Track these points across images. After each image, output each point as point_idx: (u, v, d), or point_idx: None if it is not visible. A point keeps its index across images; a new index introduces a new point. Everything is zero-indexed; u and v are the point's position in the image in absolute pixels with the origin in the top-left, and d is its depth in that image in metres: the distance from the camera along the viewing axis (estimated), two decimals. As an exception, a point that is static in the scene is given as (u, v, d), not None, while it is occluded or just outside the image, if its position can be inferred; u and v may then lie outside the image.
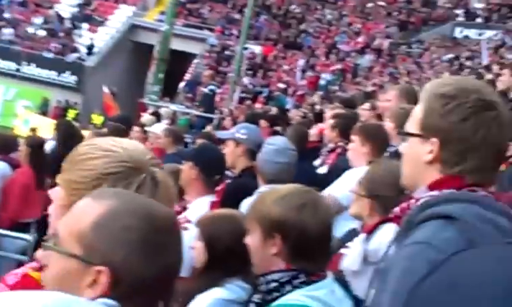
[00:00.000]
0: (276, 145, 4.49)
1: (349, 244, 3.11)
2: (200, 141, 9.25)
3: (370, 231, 2.63)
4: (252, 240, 2.55)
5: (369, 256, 2.64)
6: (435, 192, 1.89)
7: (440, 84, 1.97)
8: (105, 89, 21.73)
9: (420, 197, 1.91)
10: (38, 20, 35.09)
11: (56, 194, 1.78)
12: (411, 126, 1.98)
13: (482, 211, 1.77)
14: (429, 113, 1.93)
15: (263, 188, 4.09)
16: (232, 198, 4.58)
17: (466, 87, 1.91)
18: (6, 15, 35.22)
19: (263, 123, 9.55)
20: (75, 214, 1.40)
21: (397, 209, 2.05)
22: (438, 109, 1.90)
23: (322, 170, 6.36)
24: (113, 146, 1.74)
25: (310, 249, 2.45)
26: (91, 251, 1.35)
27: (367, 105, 7.11)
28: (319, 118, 11.83)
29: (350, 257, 2.67)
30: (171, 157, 8.24)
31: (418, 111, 1.97)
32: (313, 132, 7.87)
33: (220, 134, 5.72)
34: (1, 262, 6.95)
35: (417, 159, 1.95)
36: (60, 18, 35.15)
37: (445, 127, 1.89)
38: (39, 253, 1.46)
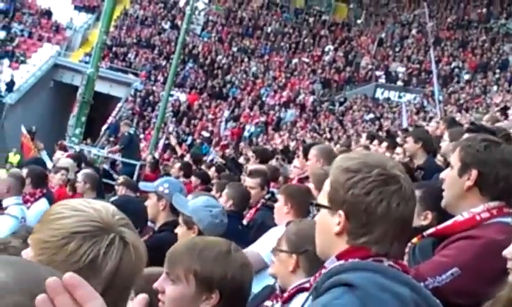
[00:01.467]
0: (219, 206, 4.51)
1: (267, 302, 3.12)
2: (121, 189, 9.08)
3: (286, 300, 2.61)
4: (177, 290, 2.53)
5: None
6: (342, 262, 1.95)
7: (346, 158, 2.05)
8: (23, 130, 21.17)
9: (329, 267, 1.97)
10: (-44, 53, 34.18)
11: (26, 255, 1.76)
12: (322, 198, 2.05)
13: (382, 280, 1.84)
14: (335, 186, 2.00)
15: None
16: (151, 254, 4.46)
17: (370, 161, 1.99)
18: None
19: (194, 180, 9.54)
20: None
21: (311, 278, 2.09)
22: (343, 182, 1.97)
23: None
24: (84, 206, 1.75)
25: (241, 301, 2.53)
26: None
27: (297, 162, 7.17)
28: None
29: None
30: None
31: (327, 184, 2.05)
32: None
33: (143, 186, 5.60)
34: None
35: (327, 230, 2.01)
36: (-20, 53, 34.32)
37: (350, 200, 1.95)
38: None
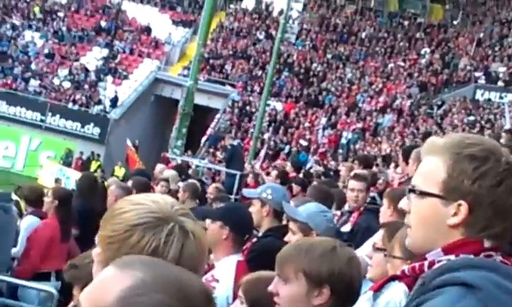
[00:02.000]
0: (330, 211, 4.58)
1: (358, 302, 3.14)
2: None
3: (377, 289, 2.54)
4: (290, 289, 2.63)
5: None
6: (451, 256, 1.82)
7: (465, 143, 1.87)
8: (129, 143, 21.94)
9: (433, 260, 1.85)
10: (64, 71, 35.74)
11: (95, 253, 1.82)
12: (429, 185, 1.88)
13: (501, 280, 1.72)
14: (456, 175, 1.84)
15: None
16: (257, 259, 4.63)
17: (493, 149, 1.85)
18: (33, 67, 35.96)
19: (295, 187, 9.69)
20: (98, 286, 1.28)
21: (405, 268, 1.95)
22: (469, 171, 1.82)
23: (345, 229, 6.42)
24: (144, 199, 1.79)
25: (353, 297, 2.57)
26: None
27: (399, 169, 7.13)
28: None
29: None
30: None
31: (437, 169, 1.87)
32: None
33: (246, 193, 5.75)
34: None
35: (438, 221, 1.86)
36: (85, 71, 35.78)
37: (477, 191, 1.81)
38: None
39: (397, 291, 2.32)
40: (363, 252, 4.52)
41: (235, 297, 3.86)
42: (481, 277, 1.71)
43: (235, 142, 16.98)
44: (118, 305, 1.21)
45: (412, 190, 1.91)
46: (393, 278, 2.10)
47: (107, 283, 1.25)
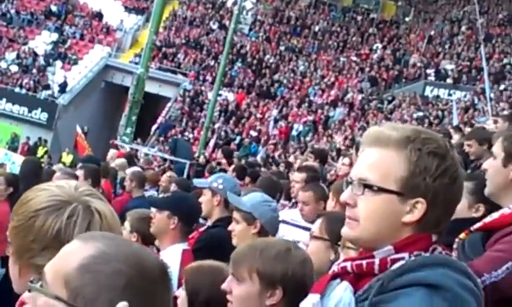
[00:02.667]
0: (274, 201, 4.52)
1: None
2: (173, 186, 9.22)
3: (322, 291, 2.56)
4: (243, 289, 2.64)
5: None
6: (405, 254, 1.80)
7: (421, 138, 1.83)
8: (78, 129, 21.62)
9: (384, 258, 1.81)
10: (12, 55, 34.98)
11: (7, 250, 1.84)
12: (387, 181, 1.83)
13: (460, 278, 1.74)
14: (419, 172, 1.81)
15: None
16: (205, 249, 4.58)
17: (446, 145, 1.85)
18: (-21, 49, 35.12)
19: (247, 179, 9.68)
20: (62, 256, 1.34)
21: (347, 264, 1.90)
22: (432, 169, 1.81)
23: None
24: (48, 185, 1.83)
25: (303, 298, 2.51)
26: (76, 295, 1.28)
27: (346, 160, 7.14)
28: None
29: None
30: (136, 201, 8.19)
31: (396, 165, 1.83)
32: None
33: (197, 182, 5.71)
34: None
35: (392, 218, 1.82)
36: (34, 55, 35.08)
37: (436, 189, 1.81)
38: (25, 295, 1.42)
39: (345, 292, 2.18)
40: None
41: (179, 285, 3.82)
42: (442, 275, 1.72)
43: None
44: (80, 271, 1.28)
45: (367, 186, 1.84)
46: (334, 276, 2.00)
47: (70, 253, 1.32)
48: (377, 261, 1.82)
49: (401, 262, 1.78)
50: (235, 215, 4.32)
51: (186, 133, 30.55)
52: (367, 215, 1.85)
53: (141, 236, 4.89)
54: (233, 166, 12.82)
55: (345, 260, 1.95)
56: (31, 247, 1.76)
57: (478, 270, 2.53)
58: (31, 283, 1.38)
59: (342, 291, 2.04)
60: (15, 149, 28.17)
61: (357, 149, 6.91)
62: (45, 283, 1.34)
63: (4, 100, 32.38)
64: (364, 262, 1.84)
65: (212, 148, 25.24)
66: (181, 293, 3.24)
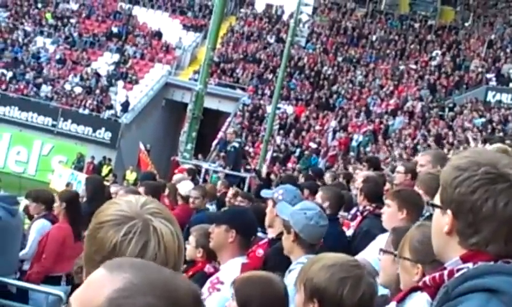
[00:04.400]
0: (316, 209, 4.45)
1: None
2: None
3: (401, 300, 2.55)
4: (296, 299, 2.75)
5: None
6: (470, 264, 1.91)
7: (458, 156, 2.04)
8: (141, 146, 22.02)
9: (452, 268, 1.94)
10: (75, 77, 35.90)
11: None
12: (437, 198, 2.04)
13: None
14: (444, 185, 1.99)
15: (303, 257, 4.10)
16: (273, 261, 4.65)
17: (481, 159, 1.95)
18: (45, 72, 36.16)
19: (306, 192, 9.67)
20: (88, 288, 1.29)
21: (426, 279, 2.06)
22: (451, 180, 1.96)
23: (348, 233, 6.41)
24: (120, 199, 1.86)
25: None
26: None
27: (401, 168, 7.09)
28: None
29: None
30: (201, 214, 8.32)
31: (440, 183, 2.04)
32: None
33: (263, 193, 5.82)
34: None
35: (440, 230, 2.00)
36: (96, 76, 35.93)
37: (456, 199, 1.94)
38: None
39: (420, 301, 2.34)
40: (365, 255, 4.51)
41: None
42: (504, 281, 1.78)
43: (237, 144, 16.77)
44: (107, 304, 1.22)
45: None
46: (415, 289, 2.23)
47: (97, 285, 1.27)
48: (446, 272, 1.95)
49: (464, 270, 1.89)
50: (281, 224, 4.43)
51: (246, 148, 30.75)
52: (432, 230, 2.08)
53: (206, 251, 5.00)
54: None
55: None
56: (93, 258, 1.78)
57: None
58: None
59: (418, 300, 2.29)
60: (80, 169, 28.89)
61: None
62: None
63: (70, 121, 33.21)
64: (437, 274, 1.98)
65: (270, 161, 25.30)
66: (231, 304, 3.27)
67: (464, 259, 1.93)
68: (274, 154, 28.54)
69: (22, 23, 39.46)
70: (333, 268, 2.66)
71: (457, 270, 1.92)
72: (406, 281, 2.98)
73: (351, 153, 28.77)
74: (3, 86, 34.81)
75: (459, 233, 1.95)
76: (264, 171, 17.22)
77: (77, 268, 5.20)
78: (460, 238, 1.95)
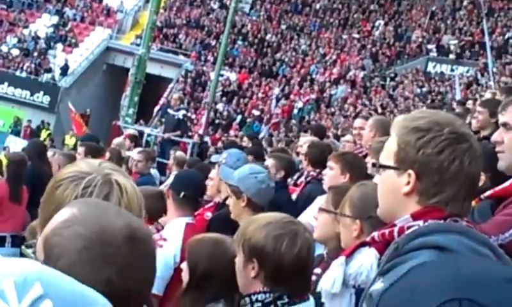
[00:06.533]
0: (265, 172, 4.43)
1: (316, 269, 3.16)
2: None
3: (349, 254, 2.62)
4: (237, 261, 2.78)
5: (348, 279, 2.64)
6: (420, 222, 1.91)
7: (413, 117, 2.02)
8: (71, 107, 21.61)
9: (402, 226, 1.94)
10: (13, 39, 34.93)
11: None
12: (386, 159, 2.02)
13: (472, 243, 1.83)
14: (403, 146, 1.96)
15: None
16: (217, 226, 4.59)
17: (439, 120, 1.96)
18: (-20, 33, 35.09)
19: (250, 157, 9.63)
20: (50, 221, 1.41)
21: (375, 234, 2.07)
22: (413, 142, 1.94)
23: (293, 198, 6.39)
24: (78, 161, 1.94)
25: (286, 276, 2.66)
26: (48, 257, 1.35)
27: (349, 137, 7.10)
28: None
29: (329, 279, 2.64)
30: (144, 178, 8.30)
31: (391, 144, 2.01)
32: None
33: (214, 158, 5.82)
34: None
35: (394, 191, 1.99)
36: (35, 38, 35.01)
37: (421, 160, 1.93)
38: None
39: (369, 256, 2.44)
40: (305, 218, 4.49)
41: (182, 257, 3.90)
42: (453, 240, 1.82)
43: (181, 115, 16.44)
44: (51, 234, 1.37)
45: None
46: (364, 244, 2.31)
47: (54, 218, 1.40)
48: (396, 228, 1.97)
49: (415, 227, 1.90)
50: (228, 189, 4.35)
51: (188, 114, 30.51)
52: (379, 191, 2.09)
53: (148, 212, 4.93)
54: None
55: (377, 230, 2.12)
56: (52, 217, 1.77)
57: (485, 233, 2.55)
58: (25, 247, 1.41)
59: (367, 255, 2.40)
60: (17, 133, 28.24)
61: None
62: (35, 247, 1.43)
63: (6, 83, 32.38)
64: (387, 231, 2.01)
65: (205, 126, 25.14)
66: (183, 265, 3.31)
67: (414, 217, 1.93)
68: (217, 121, 28.42)
69: (-44, -18, 38.08)
70: (268, 226, 2.70)
71: (408, 228, 1.92)
72: (346, 238, 3.06)
73: (293, 121, 28.89)
74: None
75: (421, 193, 1.95)
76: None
77: (30, 230, 5.12)
78: (420, 197, 1.95)
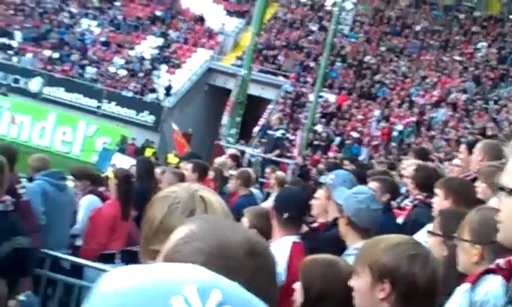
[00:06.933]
0: (368, 193, 4.43)
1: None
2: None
3: (475, 281, 2.55)
4: (359, 282, 2.70)
5: (474, 306, 2.57)
6: None
7: None
8: (174, 126, 22.06)
9: None
10: (120, 60, 36.27)
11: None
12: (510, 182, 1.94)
13: None
14: None
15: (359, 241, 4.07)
16: (323, 246, 4.69)
17: None
18: (89, 54, 36.61)
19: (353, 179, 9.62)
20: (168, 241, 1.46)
21: (501, 261, 2.05)
22: None
23: (399, 221, 6.42)
24: (174, 186, 2.03)
25: (418, 298, 2.57)
26: None
27: (457, 161, 7.03)
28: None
29: (454, 306, 2.60)
30: (243, 199, 8.42)
31: None
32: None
33: (322, 178, 5.86)
34: (85, 293, 6.90)
35: None
36: (140, 59, 36.26)
37: None
38: None
39: (495, 283, 2.36)
40: None
41: (289, 276, 3.97)
42: None
43: (280, 134, 16.64)
44: (170, 251, 1.35)
45: (502, 189, 1.96)
46: (488, 271, 2.19)
47: (171, 236, 1.40)
48: None
49: None
50: (335, 209, 4.45)
51: (288, 135, 30.74)
52: (505, 216, 1.98)
53: (259, 232, 5.08)
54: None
55: (501, 257, 2.07)
56: (147, 235, 1.92)
57: None
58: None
59: (493, 283, 2.28)
60: (122, 151, 29.18)
61: (468, 149, 6.74)
62: None
63: (113, 103, 33.57)
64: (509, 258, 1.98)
65: (299, 147, 25.20)
66: (297, 285, 3.33)
67: None
68: (315, 142, 28.52)
69: (67, 5, 39.96)
70: (399, 247, 2.63)
71: None
72: (464, 263, 2.98)
73: (392, 144, 28.63)
74: (49, 67, 35.32)
75: None
76: (296, 155, 17.15)
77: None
78: None
